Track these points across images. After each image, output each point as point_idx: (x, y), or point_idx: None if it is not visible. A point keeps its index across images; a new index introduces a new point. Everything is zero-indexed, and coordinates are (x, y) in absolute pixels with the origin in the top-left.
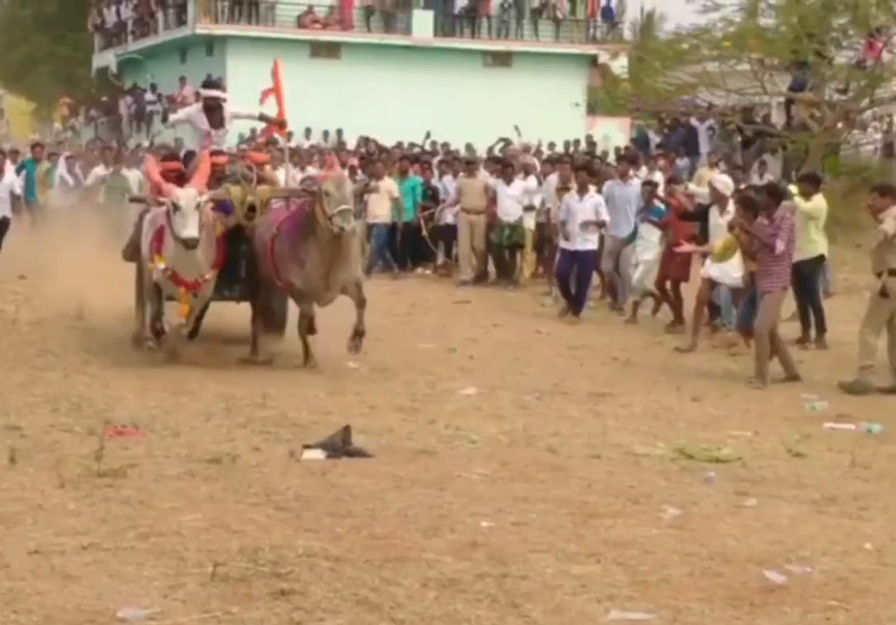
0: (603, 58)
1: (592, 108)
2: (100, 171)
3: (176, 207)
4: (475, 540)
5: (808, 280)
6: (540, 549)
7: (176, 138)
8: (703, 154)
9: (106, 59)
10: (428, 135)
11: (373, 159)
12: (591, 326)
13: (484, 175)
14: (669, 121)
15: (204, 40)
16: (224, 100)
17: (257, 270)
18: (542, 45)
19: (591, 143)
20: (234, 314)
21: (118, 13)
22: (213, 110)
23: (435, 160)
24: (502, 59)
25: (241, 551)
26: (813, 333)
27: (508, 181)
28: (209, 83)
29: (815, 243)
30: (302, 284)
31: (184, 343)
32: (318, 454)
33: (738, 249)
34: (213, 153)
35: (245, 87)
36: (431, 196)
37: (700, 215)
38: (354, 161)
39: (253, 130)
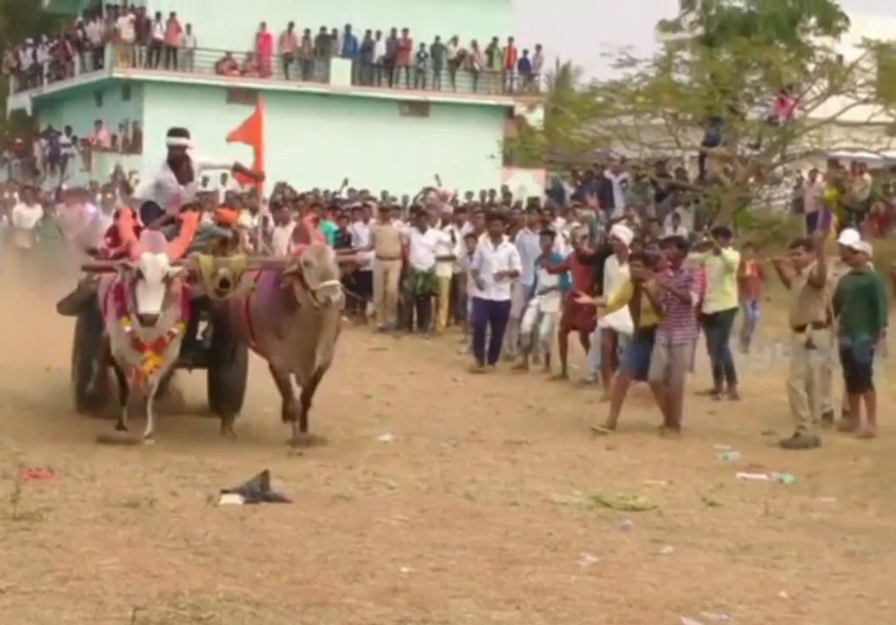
0: (519, 109)
1: (508, 159)
2: (22, 209)
3: (139, 276)
4: (395, 585)
5: (722, 331)
6: (460, 594)
7: (91, 181)
8: (617, 207)
9: (21, 101)
10: (345, 182)
11: (278, 205)
12: (505, 375)
13: (398, 223)
14: (583, 173)
15: (121, 84)
16: (191, 148)
17: (222, 329)
18: (459, 96)
19: (507, 194)
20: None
21: (34, 56)
22: (180, 162)
23: (347, 207)
24: (419, 109)
25: (160, 596)
26: (725, 383)
27: (423, 230)
28: (175, 131)
29: (730, 295)
30: (281, 362)
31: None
32: (236, 499)
33: (627, 302)
34: (182, 208)
35: (162, 132)
36: (345, 243)
37: (598, 259)
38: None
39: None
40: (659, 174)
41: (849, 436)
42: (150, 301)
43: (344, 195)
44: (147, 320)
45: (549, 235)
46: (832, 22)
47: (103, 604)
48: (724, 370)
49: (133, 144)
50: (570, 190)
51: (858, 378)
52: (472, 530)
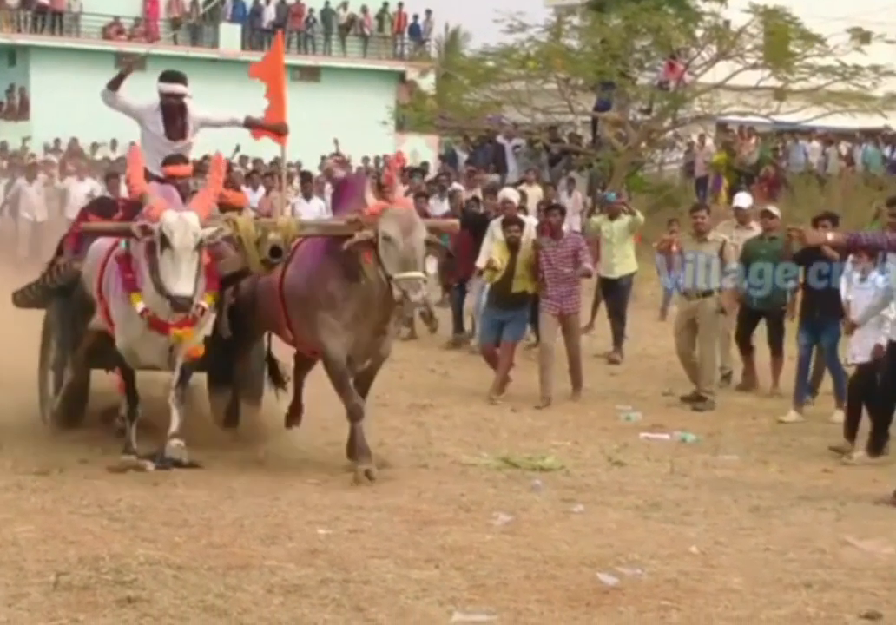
0: (411, 74)
1: (401, 125)
2: None
3: (165, 243)
4: (314, 547)
5: (623, 295)
6: (378, 555)
7: None
8: (510, 172)
9: None
10: (238, 148)
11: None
12: (407, 340)
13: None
14: (475, 138)
15: (6, 50)
16: (189, 97)
17: (239, 313)
18: (350, 61)
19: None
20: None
21: None
22: (174, 114)
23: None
24: (311, 74)
25: (81, 561)
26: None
27: (308, 197)
28: (169, 75)
29: (631, 258)
30: (339, 347)
31: None
32: (147, 465)
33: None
34: (170, 160)
35: (49, 98)
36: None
37: (480, 224)
38: None
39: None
40: (552, 139)
41: (747, 396)
42: (183, 277)
43: (235, 162)
44: (181, 304)
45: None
46: None
47: (23, 570)
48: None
49: (20, 110)
50: (463, 155)
51: (774, 342)
52: (385, 492)
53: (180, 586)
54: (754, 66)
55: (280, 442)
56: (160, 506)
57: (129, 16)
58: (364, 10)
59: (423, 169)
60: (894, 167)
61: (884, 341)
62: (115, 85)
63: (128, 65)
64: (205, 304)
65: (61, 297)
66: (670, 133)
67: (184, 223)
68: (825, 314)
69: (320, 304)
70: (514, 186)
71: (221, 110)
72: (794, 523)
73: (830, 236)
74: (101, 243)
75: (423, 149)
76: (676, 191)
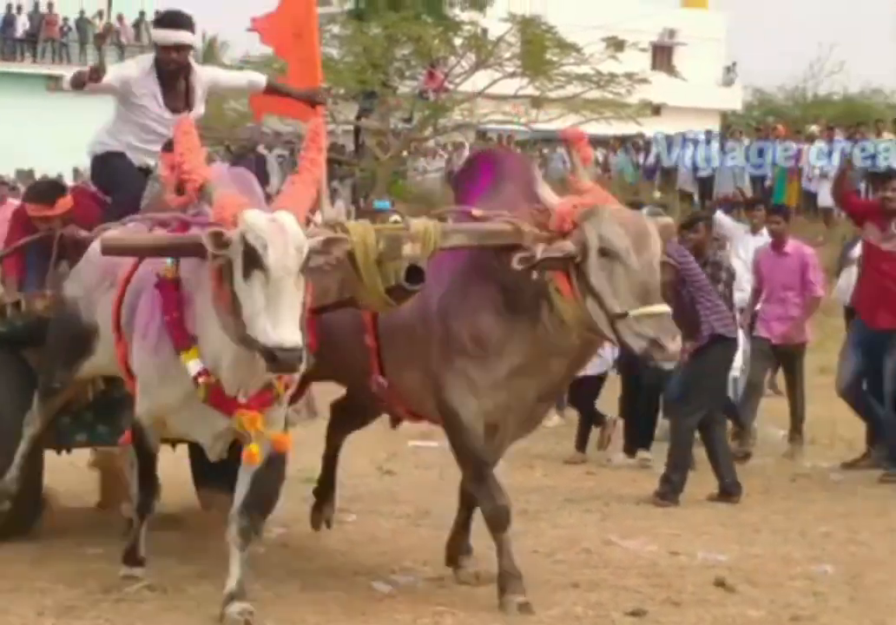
0: None
1: None
2: None
3: (254, 262)
4: (82, 569)
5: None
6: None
7: None
8: (273, 183)
9: None
10: None
11: None
12: None
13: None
14: (236, 148)
15: None
16: (195, 51)
17: None
18: None
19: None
20: None
21: None
22: (174, 75)
23: None
24: None
25: None
26: None
27: None
28: (172, 18)
29: None
30: (477, 408)
31: None
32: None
33: None
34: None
35: None
36: None
37: None
38: None
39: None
40: None
41: None
42: (286, 317)
43: None
44: (287, 360)
45: None
46: None
47: None
48: None
49: None
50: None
51: None
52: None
53: None
54: (513, 75)
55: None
56: None
57: None
58: (120, 18)
59: None
60: (648, 173)
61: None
62: (77, 86)
63: (93, 71)
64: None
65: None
66: (431, 142)
67: (281, 230)
68: None
69: (460, 347)
70: None
71: (234, 72)
72: (561, 525)
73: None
74: (100, 255)
75: None
76: (438, 199)
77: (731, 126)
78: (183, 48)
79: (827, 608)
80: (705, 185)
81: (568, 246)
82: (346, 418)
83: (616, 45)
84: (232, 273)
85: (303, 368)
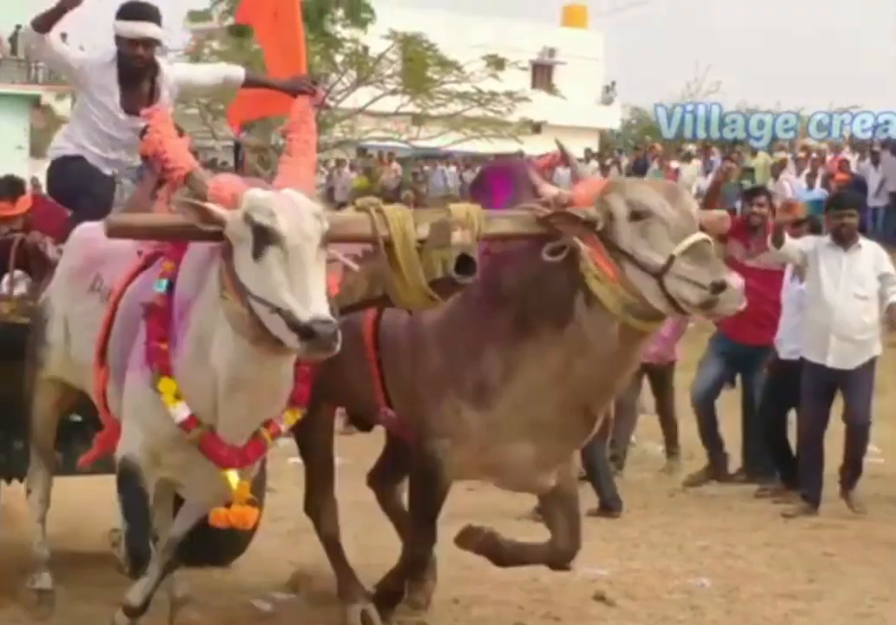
0: (46, 98)
1: (36, 150)
2: None
3: (266, 238)
4: None
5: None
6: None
7: None
8: None
9: None
10: None
11: None
12: None
13: None
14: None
15: None
16: (163, 46)
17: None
18: None
19: (36, 186)
20: None
21: None
22: (139, 73)
23: None
24: None
25: None
26: None
27: None
28: (136, 9)
29: None
30: (493, 434)
31: None
32: None
33: None
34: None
35: None
36: None
37: None
38: None
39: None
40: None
41: None
42: (314, 287)
43: None
44: (324, 334)
45: None
46: (359, 13)
47: None
48: None
49: None
50: None
51: None
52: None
53: None
54: (394, 92)
55: None
56: None
57: None
58: None
59: None
60: None
61: None
62: (44, 25)
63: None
64: (283, 426)
65: None
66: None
67: (291, 201)
68: None
69: (476, 354)
70: None
71: (202, 67)
72: (442, 541)
73: None
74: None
75: None
76: None
77: (609, 145)
78: (149, 43)
79: (704, 621)
80: None
81: (590, 211)
82: None
83: (496, 63)
84: (241, 262)
85: (338, 347)
